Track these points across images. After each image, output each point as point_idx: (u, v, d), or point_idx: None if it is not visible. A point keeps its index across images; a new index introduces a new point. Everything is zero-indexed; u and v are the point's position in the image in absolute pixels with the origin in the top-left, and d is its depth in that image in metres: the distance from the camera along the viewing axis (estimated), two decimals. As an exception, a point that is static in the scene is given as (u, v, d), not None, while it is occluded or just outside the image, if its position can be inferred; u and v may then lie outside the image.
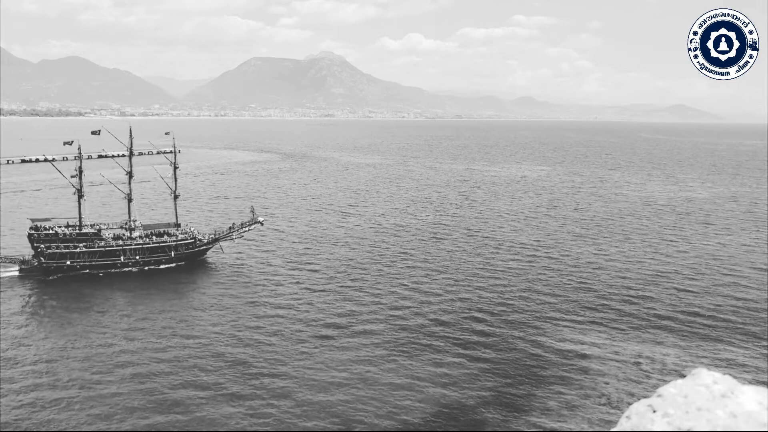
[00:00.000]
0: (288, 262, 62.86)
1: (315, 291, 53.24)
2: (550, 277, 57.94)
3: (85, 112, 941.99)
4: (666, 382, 3.05)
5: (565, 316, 46.86)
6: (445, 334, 42.92)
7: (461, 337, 42.53)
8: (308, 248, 69.08)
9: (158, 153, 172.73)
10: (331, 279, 56.99)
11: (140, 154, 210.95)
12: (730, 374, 2.84)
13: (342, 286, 54.57)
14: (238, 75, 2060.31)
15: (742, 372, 36.42)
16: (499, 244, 72.03)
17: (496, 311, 47.94)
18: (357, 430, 30.23)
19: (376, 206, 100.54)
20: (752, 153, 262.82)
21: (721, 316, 46.83)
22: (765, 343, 41.21)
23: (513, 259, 64.54)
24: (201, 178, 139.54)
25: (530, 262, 63.58)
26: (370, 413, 31.73)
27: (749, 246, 71.38)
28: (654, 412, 2.73)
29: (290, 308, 48.46)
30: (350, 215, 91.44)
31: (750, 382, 2.68)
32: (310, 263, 62.66)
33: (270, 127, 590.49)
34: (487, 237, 76.04)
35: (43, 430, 29.96)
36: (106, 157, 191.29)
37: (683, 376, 2.92)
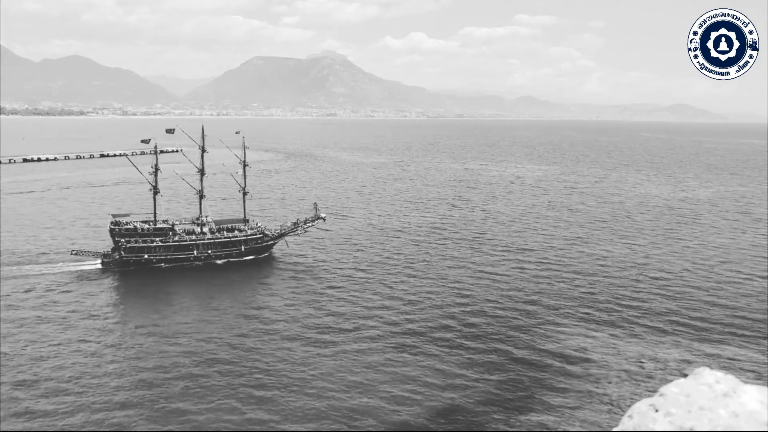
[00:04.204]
0: (305, 262, 62.98)
1: (313, 294, 53.34)
2: (551, 277, 57.90)
3: (87, 112, 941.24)
4: (668, 381, 3.03)
5: (566, 316, 46.85)
6: (446, 335, 42.92)
7: (462, 337, 42.53)
8: (309, 249, 69.17)
9: (161, 152, 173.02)
10: (330, 280, 57.06)
11: (142, 153, 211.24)
12: (732, 373, 2.83)
13: (341, 288, 54.62)
14: (240, 74, 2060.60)
15: (744, 371, 36.40)
16: (500, 245, 72.01)
17: (497, 312, 47.95)
18: (358, 430, 30.28)
19: (375, 207, 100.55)
20: (752, 152, 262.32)
21: (723, 315, 46.78)
22: (767, 342, 41.18)
23: (513, 260, 64.52)
24: (208, 178, 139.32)
25: (530, 262, 63.53)
26: (372, 413, 31.77)
27: (750, 245, 71.30)
28: (656, 411, 2.72)
29: (306, 310, 48.60)
30: (349, 216, 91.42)
31: (752, 382, 2.71)
32: (317, 265, 62.76)
33: (272, 127, 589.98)
34: (487, 238, 76.03)
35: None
36: (106, 156, 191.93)
37: (685, 375, 2.91)
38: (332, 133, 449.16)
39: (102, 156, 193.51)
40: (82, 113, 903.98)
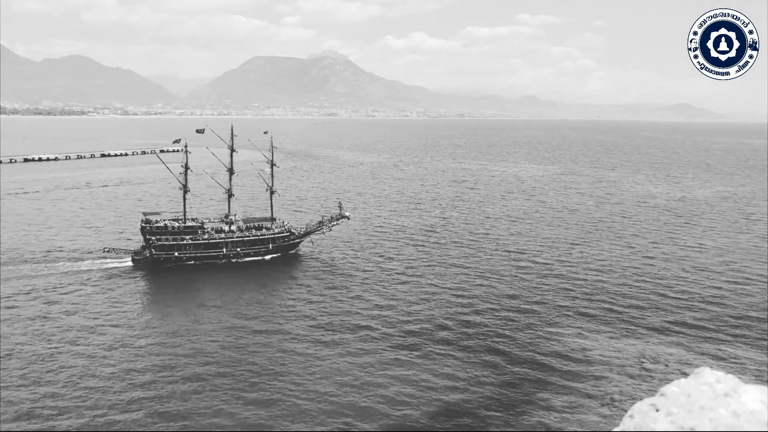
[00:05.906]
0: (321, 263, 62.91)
1: (314, 293, 53.33)
2: (551, 278, 57.86)
3: (88, 111, 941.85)
4: (669, 381, 3.04)
5: (566, 317, 46.82)
6: (446, 336, 42.90)
7: (461, 339, 42.50)
8: (310, 250, 69.21)
9: (161, 152, 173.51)
10: (330, 283, 57.06)
11: (143, 152, 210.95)
12: (733, 373, 2.82)
13: (340, 291, 54.61)
14: (241, 74, 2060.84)
15: (745, 371, 36.37)
16: (500, 246, 71.96)
17: (497, 313, 47.91)
18: (358, 429, 30.28)
19: (375, 207, 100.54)
20: (752, 152, 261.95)
21: (724, 315, 46.73)
22: (767, 342, 41.12)
23: (513, 261, 64.47)
24: (216, 177, 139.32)
25: (530, 263, 63.49)
26: (372, 413, 31.77)
27: (750, 245, 71.21)
28: (657, 411, 2.72)
29: (321, 309, 48.61)
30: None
31: (753, 381, 2.77)
32: (318, 267, 62.74)
33: (273, 126, 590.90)
34: (487, 239, 75.99)
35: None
36: (108, 156, 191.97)
37: (686, 375, 2.92)
38: (333, 133, 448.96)
39: (103, 156, 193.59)
40: (83, 113, 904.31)
